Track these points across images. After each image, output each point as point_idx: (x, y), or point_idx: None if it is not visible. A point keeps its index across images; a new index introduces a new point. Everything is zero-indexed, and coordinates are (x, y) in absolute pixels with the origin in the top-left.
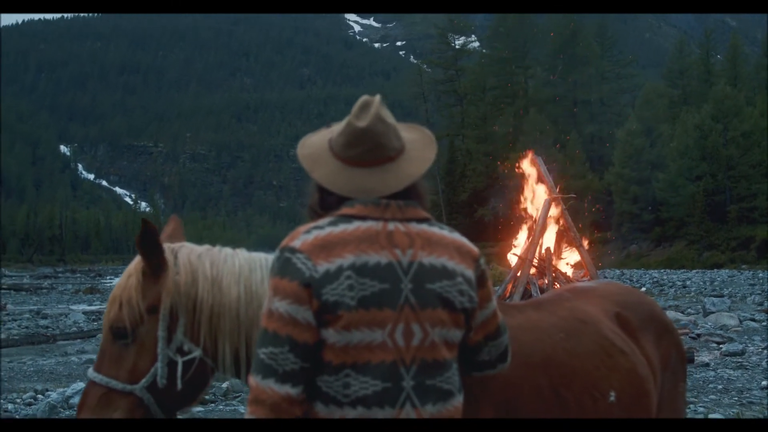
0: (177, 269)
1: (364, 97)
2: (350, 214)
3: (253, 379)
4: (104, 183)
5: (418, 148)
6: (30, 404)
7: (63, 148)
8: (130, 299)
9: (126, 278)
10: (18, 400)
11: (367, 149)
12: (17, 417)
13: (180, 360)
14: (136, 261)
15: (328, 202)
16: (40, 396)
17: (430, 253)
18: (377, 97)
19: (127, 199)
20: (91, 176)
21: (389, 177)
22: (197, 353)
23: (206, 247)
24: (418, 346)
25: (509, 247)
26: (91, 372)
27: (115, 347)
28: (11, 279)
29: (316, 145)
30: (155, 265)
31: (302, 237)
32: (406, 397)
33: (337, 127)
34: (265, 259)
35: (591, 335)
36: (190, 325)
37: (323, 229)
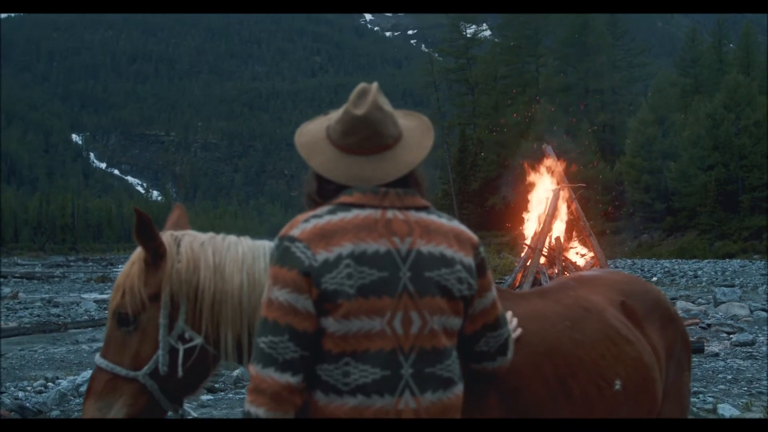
0: (179, 257)
1: (362, 85)
2: (348, 203)
3: (254, 368)
4: (116, 172)
5: (416, 135)
6: (40, 392)
7: (75, 137)
8: (133, 287)
9: (129, 266)
10: (29, 388)
11: (365, 137)
12: (27, 405)
13: (181, 347)
14: (140, 249)
15: (326, 191)
16: (50, 384)
17: (428, 241)
18: (375, 85)
19: (139, 188)
20: (103, 165)
21: (387, 165)
22: (198, 341)
23: (210, 234)
24: (416, 334)
25: (520, 237)
26: (98, 358)
27: (120, 334)
28: (23, 267)
29: (313, 133)
30: (153, 254)
31: (301, 226)
32: (405, 385)
33: (334, 115)
34: (269, 246)
35: (596, 324)
36: (192, 313)
37: (322, 218)
